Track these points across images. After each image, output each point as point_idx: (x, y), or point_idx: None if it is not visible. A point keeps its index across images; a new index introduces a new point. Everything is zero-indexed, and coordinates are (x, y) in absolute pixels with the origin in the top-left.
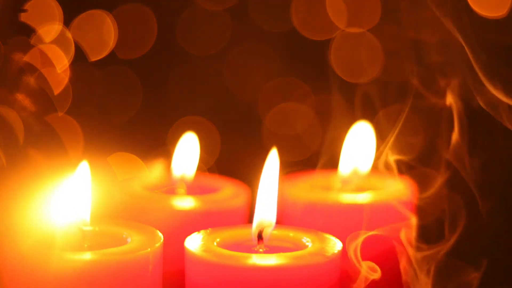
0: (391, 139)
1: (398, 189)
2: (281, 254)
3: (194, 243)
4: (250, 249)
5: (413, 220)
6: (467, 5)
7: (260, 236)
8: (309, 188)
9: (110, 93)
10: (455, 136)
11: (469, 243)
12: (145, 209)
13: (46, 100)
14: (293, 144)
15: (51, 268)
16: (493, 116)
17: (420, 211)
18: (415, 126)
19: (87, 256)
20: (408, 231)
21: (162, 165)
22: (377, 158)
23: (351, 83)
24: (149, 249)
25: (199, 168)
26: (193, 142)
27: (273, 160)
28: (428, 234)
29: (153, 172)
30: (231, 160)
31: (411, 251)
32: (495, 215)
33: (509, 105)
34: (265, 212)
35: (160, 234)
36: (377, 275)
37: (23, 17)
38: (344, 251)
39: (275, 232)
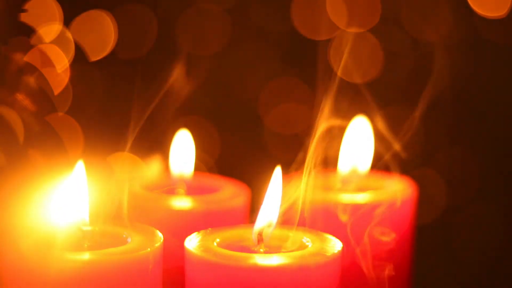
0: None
1: (398, 189)
2: (281, 254)
3: (194, 243)
4: (250, 249)
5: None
6: (467, 5)
7: (260, 236)
8: (309, 188)
9: (110, 93)
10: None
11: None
12: (145, 209)
13: (46, 100)
14: (293, 144)
15: (51, 268)
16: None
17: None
18: (415, 126)
19: (87, 256)
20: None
21: (159, 162)
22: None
23: (351, 83)
24: (149, 249)
25: (198, 168)
26: (187, 139)
27: (277, 176)
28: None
29: (151, 169)
30: (231, 160)
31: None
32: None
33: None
34: (269, 213)
35: (160, 234)
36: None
37: (23, 17)
38: (344, 251)
39: (275, 232)
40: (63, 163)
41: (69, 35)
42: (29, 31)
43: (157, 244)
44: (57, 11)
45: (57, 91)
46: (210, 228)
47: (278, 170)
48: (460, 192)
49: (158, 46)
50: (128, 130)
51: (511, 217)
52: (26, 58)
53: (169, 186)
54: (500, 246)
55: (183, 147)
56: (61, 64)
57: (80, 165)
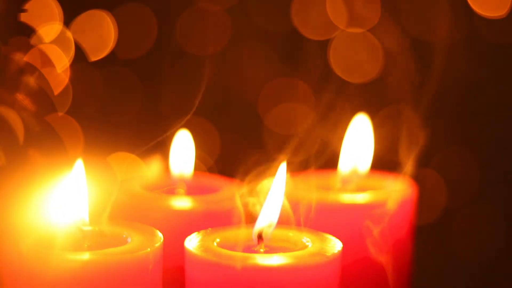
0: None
1: (398, 189)
2: (281, 254)
3: (194, 243)
4: (250, 249)
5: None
6: (467, 5)
7: (260, 236)
8: (309, 188)
9: (110, 93)
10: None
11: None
12: (144, 209)
13: (46, 100)
14: (293, 144)
15: (51, 268)
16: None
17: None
18: (415, 126)
19: (87, 256)
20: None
21: (159, 162)
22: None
23: (351, 83)
24: (149, 249)
25: (198, 168)
26: (187, 139)
27: (281, 172)
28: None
29: (151, 169)
30: (231, 160)
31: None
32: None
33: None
34: (270, 213)
35: (160, 234)
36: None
37: (23, 17)
38: (344, 251)
39: (275, 232)
40: (63, 163)
41: (69, 35)
42: (29, 31)
43: (157, 244)
44: (57, 11)
45: (57, 91)
46: (210, 228)
47: (283, 166)
48: (460, 192)
49: (158, 46)
50: (128, 130)
51: (511, 217)
52: (26, 58)
53: (169, 186)
54: (500, 246)
55: (183, 147)
56: (61, 64)
57: (79, 164)
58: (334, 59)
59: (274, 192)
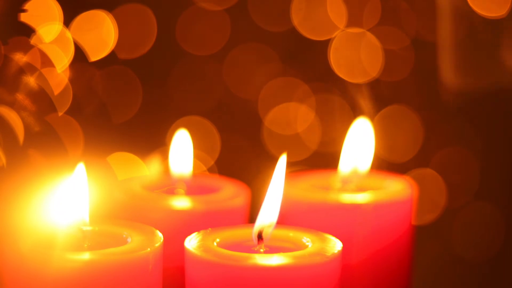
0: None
1: (398, 189)
2: (281, 254)
3: (194, 243)
4: (250, 249)
5: None
6: (467, 5)
7: (260, 236)
8: (309, 188)
9: (110, 93)
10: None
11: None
12: (144, 209)
13: (46, 100)
14: (293, 144)
15: (51, 268)
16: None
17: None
18: (415, 126)
19: (87, 256)
20: None
21: (159, 162)
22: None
23: (351, 83)
24: (149, 249)
25: (198, 168)
26: (187, 139)
27: (281, 165)
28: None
29: (151, 169)
30: (231, 160)
31: None
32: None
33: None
34: (269, 212)
35: (160, 234)
36: None
37: (23, 17)
38: (344, 251)
39: (275, 232)
40: (63, 164)
41: (69, 35)
42: (29, 31)
43: (157, 244)
44: (57, 11)
45: (57, 91)
46: (210, 228)
47: (283, 158)
48: (460, 192)
49: (158, 46)
50: (128, 130)
51: (511, 217)
52: (26, 58)
53: (169, 186)
54: (500, 246)
55: (183, 147)
56: (61, 64)
57: (80, 166)
58: (334, 59)
59: (273, 191)
